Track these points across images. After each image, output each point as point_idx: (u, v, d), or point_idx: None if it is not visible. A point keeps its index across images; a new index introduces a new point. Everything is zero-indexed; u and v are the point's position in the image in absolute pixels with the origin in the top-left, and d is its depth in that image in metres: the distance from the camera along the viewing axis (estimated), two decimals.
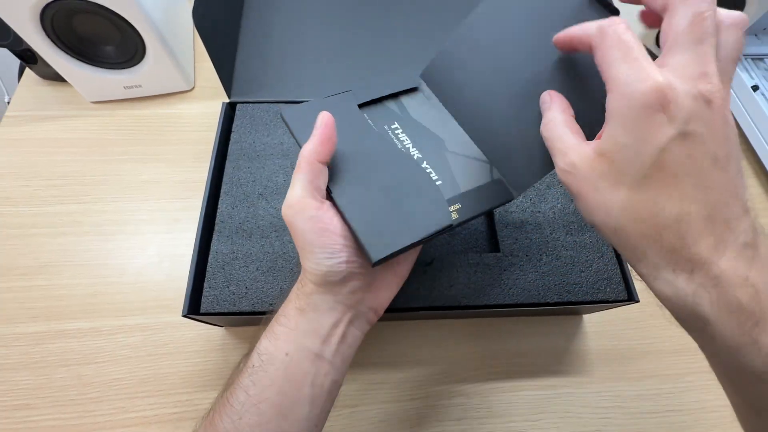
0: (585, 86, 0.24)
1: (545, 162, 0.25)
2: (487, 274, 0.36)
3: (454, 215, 0.26)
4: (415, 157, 0.28)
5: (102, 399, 0.37)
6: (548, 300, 0.35)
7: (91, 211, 0.45)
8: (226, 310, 0.33)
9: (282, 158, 0.41)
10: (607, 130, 0.19)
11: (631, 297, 0.36)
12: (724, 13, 0.18)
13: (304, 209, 0.24)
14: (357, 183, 0.26)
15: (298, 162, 0.24)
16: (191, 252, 0.34)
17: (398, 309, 0.33)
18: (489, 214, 0.40)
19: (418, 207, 0.26)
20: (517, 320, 0.42)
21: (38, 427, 0.36)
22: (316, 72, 0.51)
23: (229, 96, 0.46)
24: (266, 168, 0.40)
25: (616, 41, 0.19)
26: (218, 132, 0.40)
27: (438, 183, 0.28)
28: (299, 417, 0.24)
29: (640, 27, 0.23)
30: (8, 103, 0.52)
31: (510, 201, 0.28)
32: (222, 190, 0.38)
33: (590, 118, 0.22)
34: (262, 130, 0.42)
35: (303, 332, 0.25)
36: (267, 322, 0.27)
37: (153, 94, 0.53)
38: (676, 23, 0.18)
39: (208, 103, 0.53)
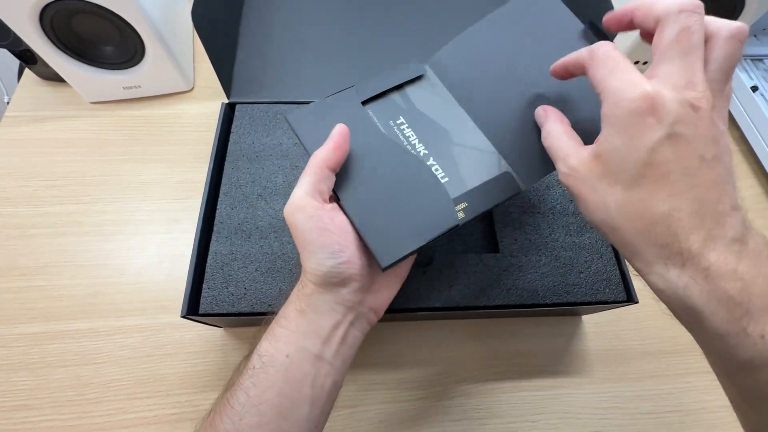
0: (580, 104, 0.26)
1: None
2: (487, 275, 0.36)
3: (461, 215, 0.27)
4: (422, 154, 0.28)
5: (101, 400, 0.37)
6: (547, 301, 0.35)
7: (90, 212, 0.45)
8: (225, 311, 0.33)
9: (281, 159, 0.41)
10: (602, 135, 0.21)
11: (630, 298, 0.36)
12: (722, 24, 0.20)
13: (305, 209, 0.25)
14: (364, 186, 0.27)
15: (307, 165, 0.26)
16: (190, 252, 0.34)
17: (398, 309, 0.33)
18: (489, 215, 0.40)
19: (425, 208, 0.27)
20: (517, 321, 0.43)
21: (37, 428, 0.36)
22: (316, 72, 0.51)
23: (228, 96, 0.46)
24: (265, 169, 0.40)
25: (605, 58, 0.21)
26: (217, 132, 0.40)
27: (444, 181, 0.28)
28: (299, 418, 0.24)
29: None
30: (8, 103, 0.52)
31: (518, 194, 0.28)
32: (221, 191, 0.38)
33: (585, 131, 0.24)
34: (262, 130, 0.42)
35: (303, 334, 0.25)
36: (267, 323, 0.27)
37: (152, 94, 0.53)
38: (664, 37, 0.19)
39: (208, 103, 0.53)
